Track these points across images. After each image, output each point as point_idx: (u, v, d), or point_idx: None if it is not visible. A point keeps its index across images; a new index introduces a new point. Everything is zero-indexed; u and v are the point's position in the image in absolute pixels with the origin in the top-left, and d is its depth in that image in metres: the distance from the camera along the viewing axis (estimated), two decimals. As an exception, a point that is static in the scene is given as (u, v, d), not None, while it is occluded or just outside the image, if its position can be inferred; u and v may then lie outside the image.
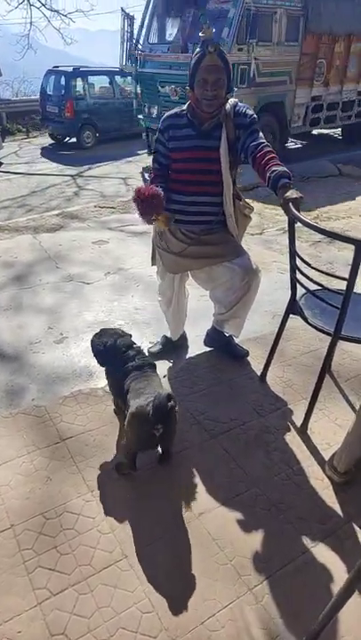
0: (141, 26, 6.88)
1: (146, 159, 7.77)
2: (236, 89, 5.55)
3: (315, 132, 9.09)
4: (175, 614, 1.28)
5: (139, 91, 7.12)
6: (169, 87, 6.41)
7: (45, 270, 3.43)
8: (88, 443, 1.84)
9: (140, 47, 6.88)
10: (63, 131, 9.50)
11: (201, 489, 1.66)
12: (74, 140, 9.42)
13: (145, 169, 7.36)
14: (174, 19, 6.85)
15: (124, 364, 1.73)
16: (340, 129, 9.17)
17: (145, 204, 1.77)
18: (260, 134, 1.89)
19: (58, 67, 9.82)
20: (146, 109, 7.05)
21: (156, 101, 6.79)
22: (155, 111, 6.84)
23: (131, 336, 1.89)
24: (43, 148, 9.56)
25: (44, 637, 1.22)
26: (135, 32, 6.92)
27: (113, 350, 1.77)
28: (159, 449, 1.72)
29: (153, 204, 1.77)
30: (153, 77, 6.69)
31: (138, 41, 6.90)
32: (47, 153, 9.17)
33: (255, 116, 1.93)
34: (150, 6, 6.83)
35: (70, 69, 9.33)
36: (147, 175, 6.92)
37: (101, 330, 1.90)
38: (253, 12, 5.76)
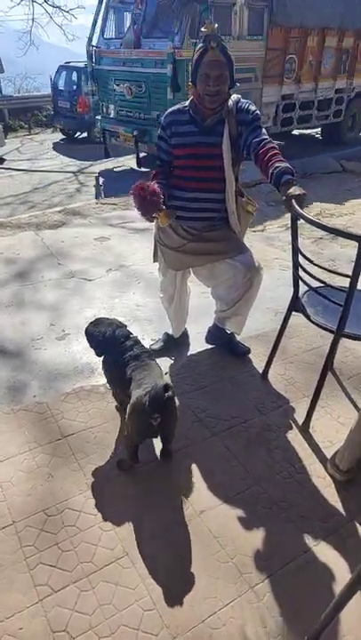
0: (95, 20, 6.47)
1: (106, 163, 7.49)
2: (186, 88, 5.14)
3: (296, 132, 8.69)
4: (176, 612, 1.28)
5: (94, 88, 6.71)
6: (123, 85, 6.15)
7: (47, 267, 3.42)
8: (89, 440, 1.84)
9: (93, 43, 6.52)
10: (74, 126, 9.57)
11: (202, 487, 1.65)
12: (85, 134, 9.48)
13: (101, 173, 7.07)
14: (130, 12, 6.28)
15: (123, 354, 1.72)
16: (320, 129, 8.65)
17: (144, 201, 1.75)
18: (263, 131, 1.88)
19: (70, 62, 9.88)
20: (103, 109, 6.75)
21: (112, 100, 6.50)
22: (112, 111, 6.56)
23: (126, 326, 1.89)
24: (55, 143, 9.59)
25: (46, 634, 1.22)
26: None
27: (112, 340, 1.77)
28: (160, 444, 1.72)
29: (152, 202, 1.75)
30: (108, 75, 6.41)
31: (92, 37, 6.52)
32: (59, 148, 9.22)
33: (258, 112, 1.91)
34: None
35: (82, 65, 9.31)
36: (101, 180, 6.65)
37: (97, 319, 1.89)
38: (208, 3, 5.27)
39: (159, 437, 1.68)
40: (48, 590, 1.32)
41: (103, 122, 6.74)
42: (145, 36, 5.84)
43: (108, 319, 1.90)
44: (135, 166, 6.69)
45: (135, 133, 5.96)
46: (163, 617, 1.26)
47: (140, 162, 6.40)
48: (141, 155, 6.37)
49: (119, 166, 7.47)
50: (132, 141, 6.11)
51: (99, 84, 6.71)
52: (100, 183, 6.61)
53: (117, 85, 6.31)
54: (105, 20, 6.56)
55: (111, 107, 6.58)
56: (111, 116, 6.62)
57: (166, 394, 1.44)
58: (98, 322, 1.86)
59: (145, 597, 1.31)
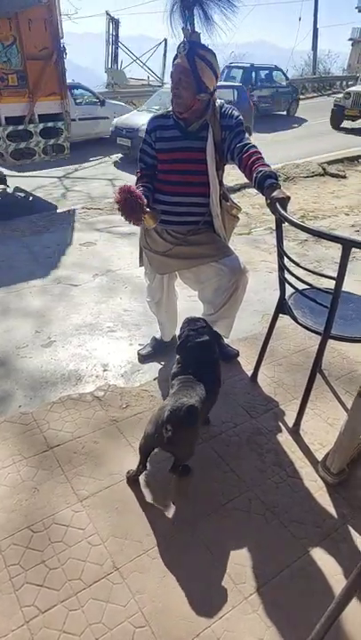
0: None
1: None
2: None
3: None
4: (169, 628, 1.24)
5: None
6: None
7: (32, 273, 3.36)
8: (77, 450, 1.79)
9: None
10: None
11: (194, 495, 1.62)
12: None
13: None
14: None
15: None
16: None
17: (125, 204, 1.72)
18: (247, 135, 1.89)
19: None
20: None
21: None
22: None
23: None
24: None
25: (33, 658, 1.17)
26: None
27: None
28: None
29: (135, 206, 1.72)
30: None
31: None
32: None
33: (241, 117, 1.93)
34: None
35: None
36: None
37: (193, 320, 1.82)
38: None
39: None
40: (35, 611, 1.27)
41: None
42: None
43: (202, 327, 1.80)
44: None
45: None
46: (155, 634, 1.22)
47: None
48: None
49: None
50: None
51: None
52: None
53: None
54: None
55: None
56: None
57: (190, 416, 1.42)
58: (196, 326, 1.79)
59: (136, 614, 1.27)
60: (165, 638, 1.21)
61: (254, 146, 1.83)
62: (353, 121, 10.88)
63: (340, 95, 11.29)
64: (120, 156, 8.25)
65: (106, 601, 1.30)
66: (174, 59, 1.84)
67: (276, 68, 13.45)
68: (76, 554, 1.41)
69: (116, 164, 8.01)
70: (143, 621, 1.25)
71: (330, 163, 6.95)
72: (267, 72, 13.26)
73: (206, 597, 1.31)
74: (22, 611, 1.27)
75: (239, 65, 13.31)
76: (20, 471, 1.69)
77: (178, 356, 1.76)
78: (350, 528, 1.51)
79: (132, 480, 1.63)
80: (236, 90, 9.35)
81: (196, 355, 1.70)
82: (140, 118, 7.96)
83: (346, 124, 11.04)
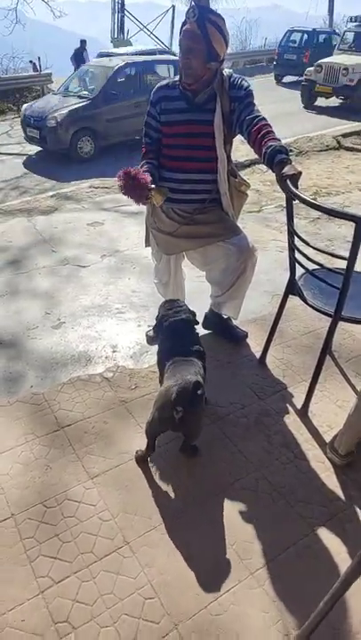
0: None
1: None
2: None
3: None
4: (177, 599, 1.28)
5: None
6: None
7: (41, 254, 3.36)
8: (87, 430, 1.83)
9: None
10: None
11: (202, 474, 1.65)
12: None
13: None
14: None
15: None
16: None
17: (128, 189, 1.70)
18: (256, 107, 1.81)
19: (295, 27, 13.58)
20: None
21: None
22: None
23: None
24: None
25: (47, 625, 1.23)
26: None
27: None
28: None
29: (135, 185, 1.69)
30: None
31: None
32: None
33: (251, 88, 1.84)
34: None
35: (309, 29, 13.10)
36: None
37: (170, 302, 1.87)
38: None
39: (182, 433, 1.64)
40: (49, 582, 1.32)
41: None
42: None
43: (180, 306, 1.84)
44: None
45: None
46: (164, 605, 1.27)
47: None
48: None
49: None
50: None
51: None
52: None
53: None
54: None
55: None
56: None
57: (197, 392, 1.43)
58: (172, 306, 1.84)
59: (146, 586, 1.31)
60: (174, 609, 1.26)
61: (264, 118, 1.76)
62: (326, 98, 9.40)
63: (312, 68, 9.59)
64: (37, 149, 7.37)
65: (116, 573, 1.35)
66: (182, 26, 1.75)
67: (334, 32, 13.33)
68: (87, 528, 1.46)
69: (28, 159, 7.19)
70: (152, 593, 1.30)
71: (345, 135, 6.72)
72: (325, 36, 13.19)
73: (214, 572, 1.35)
74: (37, 581, 1.33)
75: (300, 29, 13.65)
76: (32, 449, 1.74)
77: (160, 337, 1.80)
78: (357, 509, 1.53)
79: (141, 460, 1.66)
80: (173, 65, 7.80)
81: (176, 334, 1.73)
82: (50, 103, 7.17)
83: (320, 101, 9.54)
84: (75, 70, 9.53)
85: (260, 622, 1.24)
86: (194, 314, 1.86)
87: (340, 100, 9.52)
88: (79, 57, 11.37)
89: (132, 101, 7.21)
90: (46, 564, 1.37)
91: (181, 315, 1.78)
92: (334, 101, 9.60)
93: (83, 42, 11.79)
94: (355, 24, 10.46)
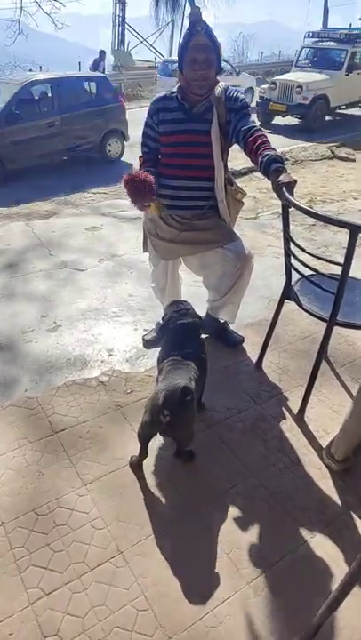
0: None
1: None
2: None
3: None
4: (172, 611, 1.25)
5: None
6: None
7: (38, 257, 3.35)
8: (82, 435, 1.80)
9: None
10: None
11: (197, 480, 1.62)
12: None
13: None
14: None
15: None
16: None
17: (136, 189, 1.72)
18: (252, 118, 1.85)
19: None
20: None
21: None
22: None
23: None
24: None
25: (37, 639, 1.19)
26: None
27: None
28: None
29: (144, 190, 1.72)
30: None
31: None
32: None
33: (246, 100, 1.89)
34: None
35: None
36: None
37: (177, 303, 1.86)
38: None
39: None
40: (39, 593, 1.29)
41: None
42: None
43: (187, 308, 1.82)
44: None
45: None
46: (158, 617, 1.24)
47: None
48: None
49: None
50: None
51: None
52: None
53: None
54: None
55: None
56: None
57: (185, 397, 1.40)
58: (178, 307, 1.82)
59: (139, 597, 1.28)
60: (168, 621, 1.23)
61: (260, 129, 1.80)
62: (283, 117, 9.09)
63: (266, 85, 9.35)
64: None
65: (109, 584, 1.31)
66: (188, 40, 1.75)
67: None
68: (80, 537, 1.43)
69: None
70: (146, 604, 1.26)
71: (339, 146, 6.79)
72: None
73: (209, 581, 1.32)
74: (27, 592, 1.29)
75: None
76: (25, 455, 1.71)
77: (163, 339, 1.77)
78: (354, 515, 1.50)
79: (136, 465, 1.64)
80: (95, 82, 7.13)
81: (180, 336, 1.70)
82: None
83: (278, 119, 9.32)
84: None
85: (256, 634, 1.21)
86: (199, 317, 1.84)
87: (297, 119, 9.13)
88: (97, 67, 11.78)
89: (45, 121, 6.40)
90: (37, 574, 1.33)
91: (187, 318, 1.76)
92: (292, 120, 9.27)
93: (102, 52, 12.15)
94: (312, 40, 10.16)
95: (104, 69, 11.73)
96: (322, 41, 10.10)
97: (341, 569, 1.33)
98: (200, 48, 1.75)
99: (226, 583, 1.32)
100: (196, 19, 1.75)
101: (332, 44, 9.87)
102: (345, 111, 10.03)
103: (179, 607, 1.26)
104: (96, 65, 11.79)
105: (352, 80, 9.37)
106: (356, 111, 10.36)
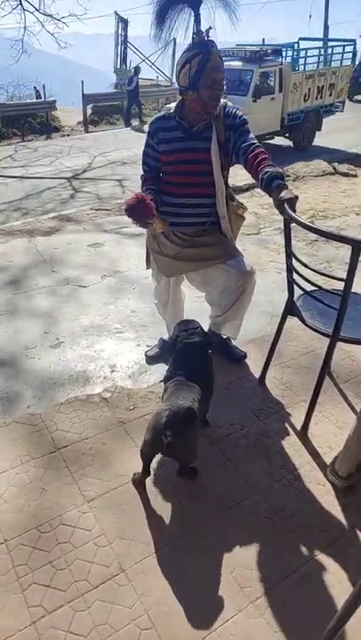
0: None
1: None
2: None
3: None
4: (175, 631, 1.23)
5: None
6: None
7: (41, 274, 3.39)
8: (84, 452, 1.80)
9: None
10: None
11: (200, 497, 1.61)
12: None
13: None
14: None
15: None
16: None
17: (134, 211, 1.73)
18: (251, 135, 1.87)
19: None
20: None
21: None
22: None
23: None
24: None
25: (39, 658, 1.18)
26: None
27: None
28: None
29: (142, 210, 1.73)
30: None
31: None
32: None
33: (245, 117, 1.91)
34: None
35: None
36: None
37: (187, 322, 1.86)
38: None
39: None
40: (42, 611, 1.28)
41: None
42: None
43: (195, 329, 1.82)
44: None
45: None
46: (161, 636, 1.22)
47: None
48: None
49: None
50: None
51: None
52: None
53: None
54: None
55: None
56: None
57: (188, 419, 1.41)
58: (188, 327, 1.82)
59: (142, 616, 1.27)
60: (171, 641, 1.21)
61: (260, 145, 1.82)
62: None
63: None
64: None
65: (112, 602, 1.30)
66: (207, 61, 1.73)
67: None
68: (82, 555, 1.42)
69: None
70: (149, 624, 1.25)
71: (340, 162, 6.89)
72: None
73: (212, 600, 1.31)
74: (29, 611, 1.28)
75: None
76: (28, 472, 1.71)
77: (170, 359, 1.76)
78: (358, 533, 1.49)
79: (138, 482, 1.63)
80: None
81: (188, 356, 1.70)
82: None
83: None
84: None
85: (260, 655, 1.19)
86: (208, 336, 1.85)
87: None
88: (131, 83, 12.36)
89: None
90: (39, 592, 1.32)
91: (195, 337, 1.76)
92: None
93: (136, 68, 12.91)
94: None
95: (137, 85, 12.37)
96: (229, 60, 7.71)
97: (345, 587, 1.31)
98: (218, 69, 1.77)
99: (229, 602, 1.30)
100: (208, 41, 1.75)
101: (238, 63, 7.99)
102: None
103: (182, 626, 1.24)
104: (130, 81, 12.40)
105: (262, 107, 7.69)
106: (279, 140, 8.77)
